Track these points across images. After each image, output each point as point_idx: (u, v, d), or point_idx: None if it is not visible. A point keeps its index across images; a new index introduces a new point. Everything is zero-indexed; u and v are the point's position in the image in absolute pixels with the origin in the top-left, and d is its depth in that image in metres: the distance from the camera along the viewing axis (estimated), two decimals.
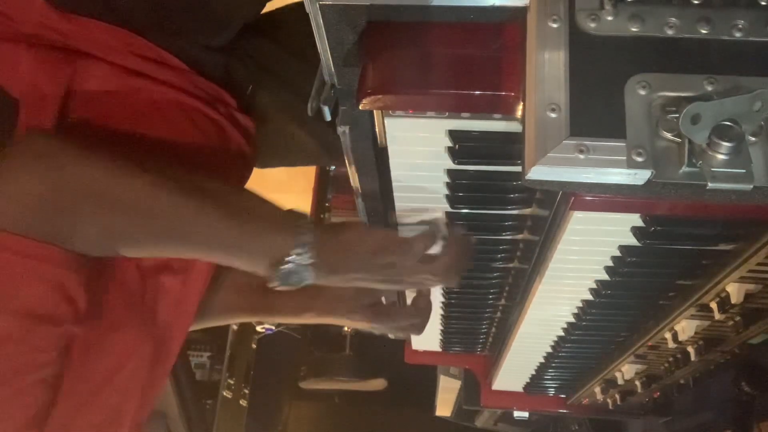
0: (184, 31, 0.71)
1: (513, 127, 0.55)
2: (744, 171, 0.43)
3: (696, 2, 0.48)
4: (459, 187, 0.64)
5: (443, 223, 0.69)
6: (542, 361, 1.06)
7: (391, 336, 0.92)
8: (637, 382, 0.97)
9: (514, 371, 1.15)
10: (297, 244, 0.62)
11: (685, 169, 0.44)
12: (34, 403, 0.52)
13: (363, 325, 0.85)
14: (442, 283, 0.72)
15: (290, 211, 0.66)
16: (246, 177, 0.84)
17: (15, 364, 0.51)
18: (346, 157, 0.64)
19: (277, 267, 0.62)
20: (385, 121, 0.56)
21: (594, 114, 0.45)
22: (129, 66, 0.65)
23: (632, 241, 0.58)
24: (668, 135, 0.44)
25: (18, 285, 0.51)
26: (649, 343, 0.81)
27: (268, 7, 0.84)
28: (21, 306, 0.51)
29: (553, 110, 0.45)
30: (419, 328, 0.84)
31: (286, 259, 0.62)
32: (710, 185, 0.43)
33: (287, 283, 0.63)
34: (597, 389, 1.10)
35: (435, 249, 0.69)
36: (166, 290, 0.67)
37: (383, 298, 0.85)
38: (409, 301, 0.88)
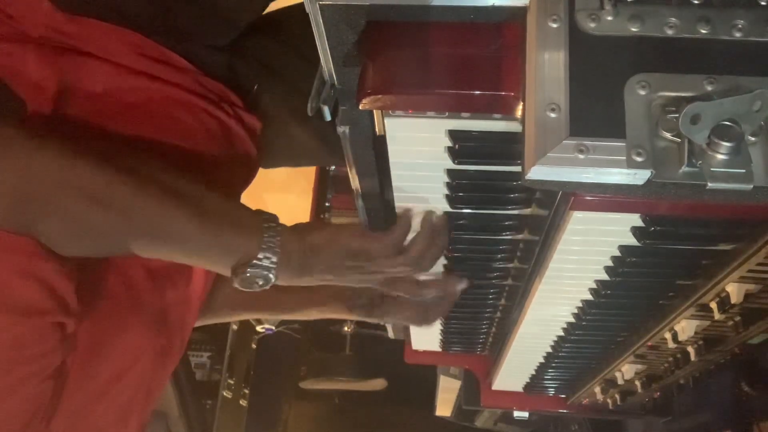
0: (190, 31, 0.71)
1: (513, 127, 0.55)
2: (744, 171, 0.43)
3: (696, 2, 0.48)
4: (459, 187, 0.64)
5: (412, 214, 0.68)
6: (542, 361, 1.06)
7: (390, 335, 0.92)
8: (637, 382, 0.97)
9: (514, 371, 1.15)
10: (262, 247, 0.62)
11: (684, 169, 0.44)
12: (32, 397, 0.52)
13: (365, 318, 0.85)
14: (417, 271, 0.71)
15: (258, 213, 0.65)
16: (251, 177, 0.84)
17: (1, 357, 0.50)
18: (346, 157, 0.64)
19: (241, 269, 0.62)
20: (385, 121, 0.56)
21: (594, 114, 0.45)
22: (135, 67, 0.65)
23: (632, 241, 0.58)
24: (668, 135, 0.44)
25: None
26: (649, 343, 0.81)
27: (271, 8, 0.84)
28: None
29: (553, 110, 0.45)
30: (421, 320, 0.83)
31: (252, 261, 0.61)
32: (710, 185, 0.43)
33: (250, 284, 0.63)
34: (597, 389, 1.10)
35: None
36: (172, 289, 0.67)
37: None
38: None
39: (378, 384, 2.52)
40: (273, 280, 0.63)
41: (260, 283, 0.63)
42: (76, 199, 0.55)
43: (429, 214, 0.69)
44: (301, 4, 0.50)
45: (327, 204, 1.94)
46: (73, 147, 0.55)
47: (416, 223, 0.69)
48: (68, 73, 0.62)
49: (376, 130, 0.59)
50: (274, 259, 0.62)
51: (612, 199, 0.49)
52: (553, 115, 0.45)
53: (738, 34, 0.47)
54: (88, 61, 0.63)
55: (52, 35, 0.62)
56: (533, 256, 0.69)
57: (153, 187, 0.58)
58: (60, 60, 0.62)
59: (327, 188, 1.93)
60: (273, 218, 0.65)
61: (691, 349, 0.79)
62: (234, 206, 0.65)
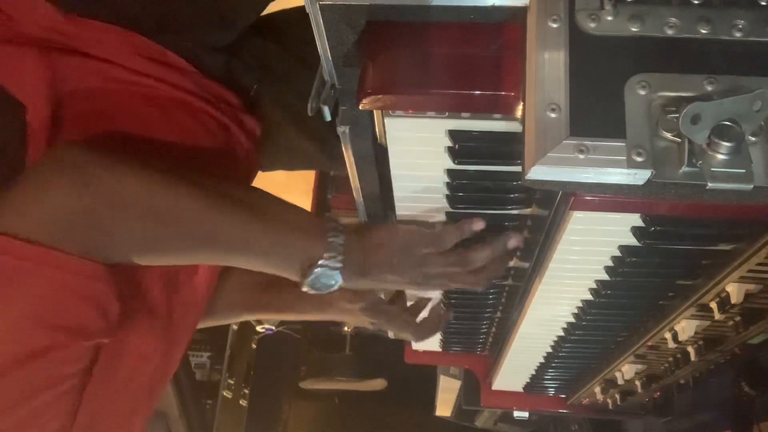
0: (189, 31, 0.71)
1: (513, 127, 0.55)
2: (744, 171, 0.43)
3: (696, 2, 0.48)
4: (459, 187, 0.64)
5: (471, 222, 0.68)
6: (542, 361, 1.06)
7: (390, 335, 0.92)
8: (637, 382, 0.97)
9: (514, 371, 1.15)
10: (327, 248, 0.62)
11: (685, 169, 0.44)
12: (61, 414, 0.52)
13: (363, 322, 0.85)
14: (471, 284, 0.70)
15: (320, 215, 0.66)
16: (251, 178, 0.84)
17: (45, 377, 0.50)
18: (346, 158, 0.64)
19: (307, 271, 0.62)
20: (385, 121, 0.56)
21: (594, 114, 0.45)
22: (135, 68, 0.65)
23: (632, 241, 0.58)
24: (668, 135, 0.44)
25: (53, 300, 0.50)
26: (649, 343, 0.81)
27: (270, 9, 0.84)
28: (55, 320, 0.50)
29: (553, 110, 0.45)
30: (419, 335, 0.84)
31: (319, 263, 0.62)
32: (710, 185, 0.43)
33: (317, 287, 0.63)
34: (597, 389, 1.10)
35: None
36: (178, 291, 0.67)
37: (382, 295, 0.85)
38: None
39: (378, 384, 2.52)
40: (340, 281, 0.63)
41: (328, 284, 0.63)
42: (145, 219, 0.55)
43: (508, 236, 0.69)
44: (301, 6, 0.50)
45: (327, 204, 1.93)
46: (129, 164, 0.55)
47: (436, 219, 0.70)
48: (68, 74, 0.62)
49: (376, 130, 0.59)
50: (339, 259, 0.62)
51: (612, 199, 0.49)
52: (553, 115, 0.45)
53: (738, 34, 0.47)
54: (87, 62, 0.63)
55: (52, 36, 0.62)
56: (533, 256, 0.69)
57: (217, 198, 0.59)
58: (60, 62, 0.62)
59: (327, 188, 1.93)
60: (334, 219, 0.65)
61: (691, 349, 0.79)
62: (294, 209, 0.66)
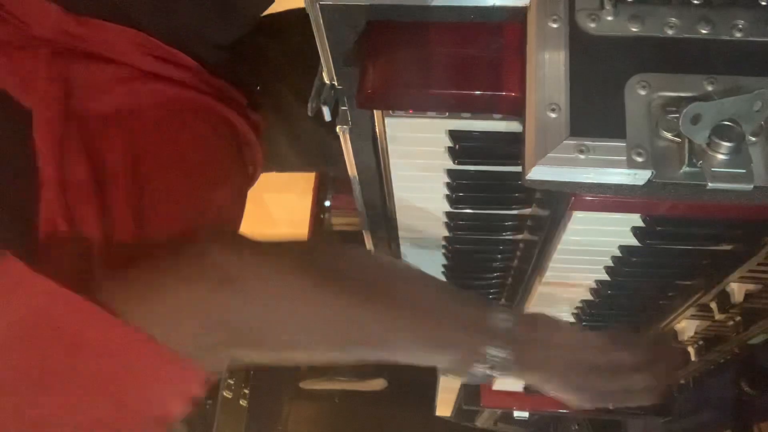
0: (193, 29, 0.71)
1: (513, 127, 0.55)
2: (744, 171, 0.43)
3: (696, 2, 0.48)
4: (459, 187, 0.64)
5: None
6: None
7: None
8: None
9: None
10: (491, 343, 0.57)
11: (685, 169, 0.44)
12: None
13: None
14: (642, 399, 0.64)
15: (480, 303, 0.61)
16: (257, 176, 0.83)
17: None
18: (346, 158, 0.64)
19: (467, 365, 0.57)
20: (385, 121, 0.56)
21: (594, 114, 0.45)
22: (146, 68, 0.65)
23: (632, 241, 0.58)
24: (668, 135, 0.44)
25: (156, 391, 0.48)
26: None
27: (270, 9, 0.84)
28: (152, 410, 0.48)
29: (553, 110, 0.45)
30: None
31: (481, 357, 0.57)
32: (710, 185, 0.43)
33: (475, 379, 0.61)
34: None
35: None
36: None
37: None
38: None
39: (378, 384, 2.52)
40: (498, 375, 0.58)
41: (484, 377, 0.59)
42: (289, 322, 0.52)
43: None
44: (302, 7, 0.50)
45: (327, 204, 1.93)
46: (281, 268, 0.52)
47: None
48: (79, 78, 0.61)
49: (376, 130, 0.59)
50: (503, 356, 0.57)
51: (612, 199, 0.49)
52: (553, 115, 0.45)
53: (738, 34, 0.47)
54: (98, 64, 0.63)
55: (62, 38, 0.62)
56: (533, 256, 0.69)
57: (365, 297, 0.54)
58: (71, 65, 0.61)
59: (327, 188, 1.93)
60: (497, 308, 0.60)
61: (691, 349, 0.79)
62: (443, 297, 0.60)
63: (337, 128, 0.59)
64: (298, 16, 0.90)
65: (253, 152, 0.79)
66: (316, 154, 0.93)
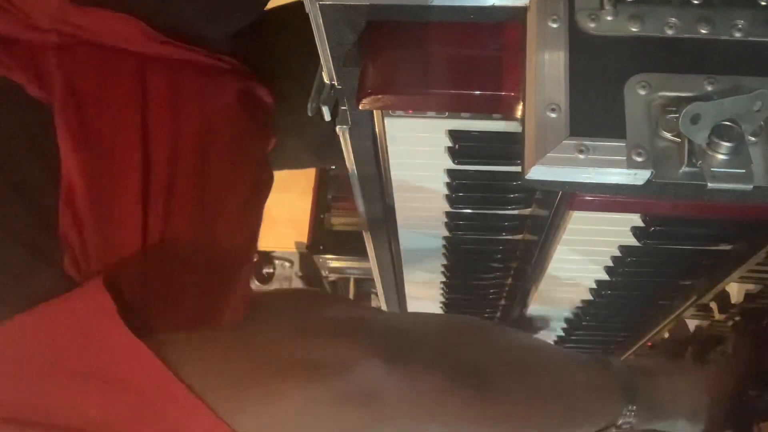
0: (193, 21, 0.70)
1: (513, 127, 0.55)
2: (744, 171, 0.43)
3: (696, 2, 0.48)
4: (459, 187, 0.64)
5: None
6: None
7: None
8: None
9: None
10: (626, 406, 0.59)
11: (685, 169, 0.44)
12: None
13: None
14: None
15: (606, 365, 0.61)
16: (268, 148, 0.82)
17: None
18: (345, 158, 0.64)
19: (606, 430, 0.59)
20: (385, 121, 0.56)
21: (594, 114, 0.45)
22: (151, 53, 0.65)
23: (632, 241, 0.58)
24: (668, 135, 0.44)
25: None
26: (649, 343, 0.81)
27: (269, 7, 0.84)
28: None
29: (553, 110, 0.45)
30: None
31: (619, 422, 0.59)
32: (710, 185, 0.43)
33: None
34: None
35: None
36: None
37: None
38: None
39: None
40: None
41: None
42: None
43: None
44: (301, 3, 0.50)
45: (327, 204, 1.93)
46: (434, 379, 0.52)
47: None
48: (86, 66, 0.61)
49: (376, 130, 0.59)
50: (637, 414, 0.59)
51: (612, 199, 0.49)
52: (553, 115, 0.45)
53: (738, 34, 0.47)
54: (104, 52, 0.63)
55: (65, 28, 0.62)
56: (533, 256, 0.69)
57: (521, 405, 0.54)
58: (76, 54, 0.61)
59: (327, 188, 1.93)
60: (618, 367, 0.61)
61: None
62: (576, 369, 0.61)
63: (337, 128, 0.59)
64: (302, 8, 0.90)
65: (266, 122, 0.78)
66: (324, 149, 0.92)
